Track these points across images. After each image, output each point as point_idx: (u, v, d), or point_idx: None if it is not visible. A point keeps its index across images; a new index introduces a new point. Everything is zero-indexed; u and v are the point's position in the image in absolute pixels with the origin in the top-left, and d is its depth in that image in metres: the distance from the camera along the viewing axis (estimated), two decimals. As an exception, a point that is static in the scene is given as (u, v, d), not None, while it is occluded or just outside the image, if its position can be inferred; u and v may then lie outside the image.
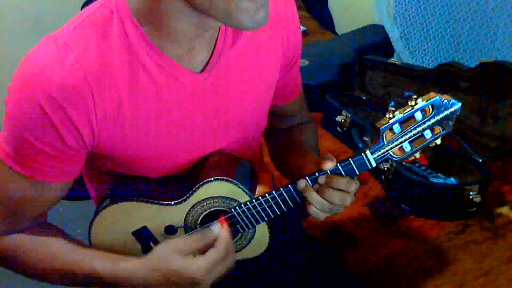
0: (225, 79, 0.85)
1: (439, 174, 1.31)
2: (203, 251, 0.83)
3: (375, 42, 1.90)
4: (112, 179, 0.92)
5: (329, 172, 0.81)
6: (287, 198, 0.84)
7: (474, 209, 1.23)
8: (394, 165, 1.25)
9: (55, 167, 0.79)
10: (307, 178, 0.82)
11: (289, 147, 1.01)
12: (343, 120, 1.53)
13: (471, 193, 1.20)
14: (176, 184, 0.90)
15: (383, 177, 1.32)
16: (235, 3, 0.68)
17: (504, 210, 1.26)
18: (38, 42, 0.76)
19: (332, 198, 0.81)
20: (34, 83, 0.72)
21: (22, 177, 0.79)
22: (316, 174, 0.82)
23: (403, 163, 1.32)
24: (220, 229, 0.85)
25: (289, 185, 0.84)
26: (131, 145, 0.82)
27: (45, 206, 0.86)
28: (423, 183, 1.25)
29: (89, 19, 0.75)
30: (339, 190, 0.81)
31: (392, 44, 1.90)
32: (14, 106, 0.75)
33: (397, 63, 1.58)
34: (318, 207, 0.83)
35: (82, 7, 1.03)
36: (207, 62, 0.82)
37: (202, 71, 0.82)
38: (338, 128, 1.55)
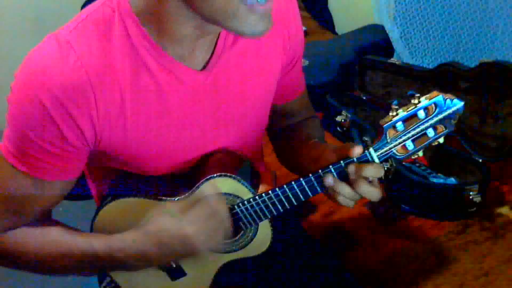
0: (225, 78, 0.85)
1: (439, 174, 1.31)
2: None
3: (375, 42, 1.90)
4: (114, 177, 0.92)
5: (355, 160, 0.79)
6: (290, 195, 0.84)
7: (474, 209, 1.23)
8: (394, 165, 1.25)
9: (57, 165, 0.79)
10: (332, 170, 0.80)
11: (300, 142, 0.99)
12: (343, 120, 1.53)
13: (471, 193, 1.20)
14: (178, 181, 0.90)
15: (383, 177, 1.32)
16: (233, 13, 0.68)
17: (504, 210, 1.26)
18: (39, 42, 0.76)
19: (362, 189, 0.80)
20: (36, 82, 0.73)
21: (24, 175, 0.79)
22: (342, 163, 0.80)
23: (403, 163, 1.32)
24: (208, 187, 0.85)
25: (301, 179, 0.82)
26: (133, 143, 0.82)
27: (47, 204, 0.86)
28: (423, 183, 1.25)
29: (90, 18, 0.75)
30: (368, 178, 0.79)
31: (392, 44, 1.90)
32: (16, 105, 0.75)
33: (397, 63, 1.58)
34: (349, 198, 0.81)
35: (82, 7, 1.03)
36: (208, 62, 0.82)
37: (202, 70, 0.82)
38: (338, 128, 1.55)
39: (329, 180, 0.80)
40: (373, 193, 0.80)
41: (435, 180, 1.28)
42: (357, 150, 0.79)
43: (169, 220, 0.82)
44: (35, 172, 0.79)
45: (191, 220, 0.82)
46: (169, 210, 0.83)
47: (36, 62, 0.74)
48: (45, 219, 0.90)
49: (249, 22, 0.69)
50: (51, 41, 0.74)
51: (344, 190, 0.80)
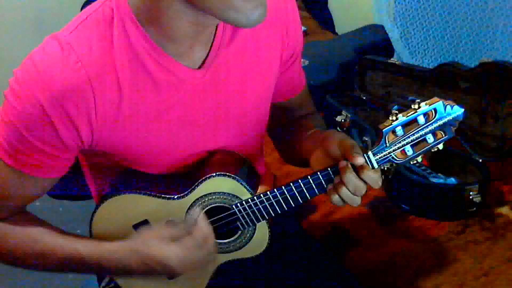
0: (224, 76, 0.85)
1: (439, 174, 1.31)
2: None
3: (375, 42, 1.89)
4: (114, 175, 0.93)
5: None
6: (288, 196, 0.84)
7: (474, 209, 1.23)
8: (394, 165, 1.25)
9: (47, 163, 0.80)
10: (330, 172, 0.81)
11: (302, 132, 0.98)
12: (343, 120, 1.53)
13: (471, 193, 1.20)
14: (179, 179, 0.91)
15: (383, 177, 1.32)
16: (229, 2, 0.68)
17: (504, 210, 1.26)
18: (39, 41, 0.76)
19: (351, 185, 0.80)
20: (37, 82, 0.73)
21: (12, 170, 0.80)
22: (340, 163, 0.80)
23: (403, 163, 1.32)
24: (200, 218, 0.86)
25: (300, 180, 0.82)
26: (132, 143, 0.83)
27: (30, 199, 0.87)
28: (423, 183, 1.25)
29: (91, 19, 0.76)
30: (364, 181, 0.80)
31: (392, 44, 1.90)
32: (14, 104, 0.75)
33: (397, 63, 1.58)
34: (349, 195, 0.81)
35: (82, 7, 1.04)
36: (206, 59, 0.82)
37: (200, 68, 0.82)
38: (338, 128, 1.55)
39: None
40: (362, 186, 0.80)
41: (435, 180, 1.28)
42: (360, 160, 0.79)
43: (158, 246, 0.84)
44: (23, 168, 0.80)
45: (178, 249, 0.83)
46: (161, 234, 0.85)
47: (37, 62, 0.74)
48: (24, 213, 0.91)
49: (245, 11, 0.69)
50: (52, 42, 0.75)
51: (352, 181, 0.80)
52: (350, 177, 0.79)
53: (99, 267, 0.87)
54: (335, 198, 0.82)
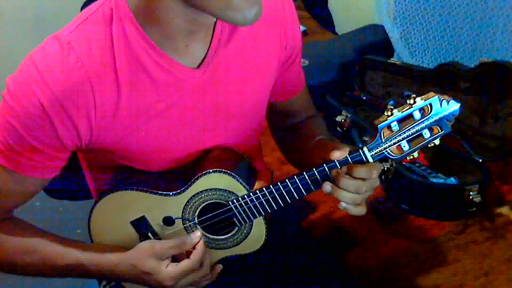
0: (222, 75, 0.85)
1: (439, 174, 1.31)
2: (179, 258, 0.87)
3: (375, 42, 1.89)
4: (114, 173, 0.93)
5: (350, 160, 0.80)
6: (284, 192, 0.84)
7: (474, 209, 1.23)
8: (394, 165, 1.25)
9: (41, 163, 0.80)
10: (326, 168, 0.81)
11: (306, 141, 0.99)
12: (343, 120, 1.53)
13: (471, 193, 1.20)
14: (176, 176, 0.91)
15: (383, 177, 1.32)
16: (228, 1, 0.68)
17: (504, 210, 1.26)
18: (39, 41, 0.76)
19: (351, 187, 0.80)
20: (37, 82, 0.73)
21: (4, 170, 0.80)
22: (336, 162, 0.80)
23: (403, 163, 1.32)
24: (198, 239, 0.88)
25: (296, 177, 0.83)
26: (131, 141, 0.83)
27: (21, 200, 0.87)
28: (423, 183, 1.25)
29: (91, 18, 0.76)
30: (359, 179, 0.80)
31: (392, 44, 1.90)
32: (13, 104, 0.75)
33: (397, 63, 1.58)
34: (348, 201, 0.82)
35: (82, 7, 1.04)
36: (204, 59, 0.82)
37: (199, 67, 0.82)
38: (338, 128, 1.55)
39: (327, 188, 0.81)
40: (359, 185, 0.80)
41: (435, 180, 1.28)
42: (337, 154, 0.79)
43: (155, 265, 0.86)
44: (17, 168, 0.80)
45: (174, 271, 0.85)
46: (159, 252, 0.86)
47: (37, 62, 0.74)
48: (17, 220, 0.91)
49: (242, 9, 0.69)
50: (52, 42, 0.75)
51: (347, 183, 0.80)
52: (344, 181, 0.80)
53: (99, 275, 0.91)
54: (342, 206, 0.82)
